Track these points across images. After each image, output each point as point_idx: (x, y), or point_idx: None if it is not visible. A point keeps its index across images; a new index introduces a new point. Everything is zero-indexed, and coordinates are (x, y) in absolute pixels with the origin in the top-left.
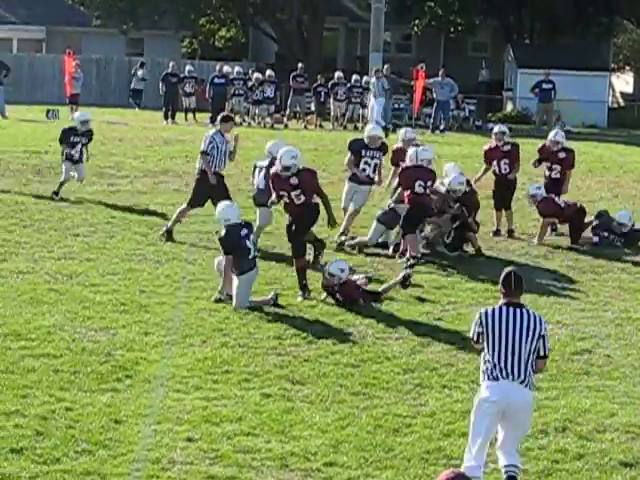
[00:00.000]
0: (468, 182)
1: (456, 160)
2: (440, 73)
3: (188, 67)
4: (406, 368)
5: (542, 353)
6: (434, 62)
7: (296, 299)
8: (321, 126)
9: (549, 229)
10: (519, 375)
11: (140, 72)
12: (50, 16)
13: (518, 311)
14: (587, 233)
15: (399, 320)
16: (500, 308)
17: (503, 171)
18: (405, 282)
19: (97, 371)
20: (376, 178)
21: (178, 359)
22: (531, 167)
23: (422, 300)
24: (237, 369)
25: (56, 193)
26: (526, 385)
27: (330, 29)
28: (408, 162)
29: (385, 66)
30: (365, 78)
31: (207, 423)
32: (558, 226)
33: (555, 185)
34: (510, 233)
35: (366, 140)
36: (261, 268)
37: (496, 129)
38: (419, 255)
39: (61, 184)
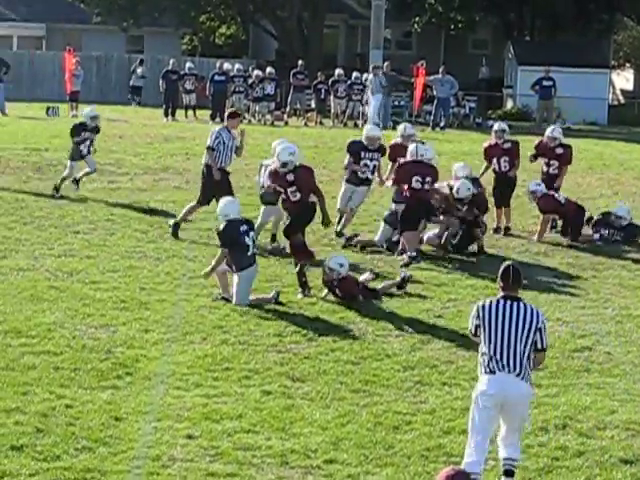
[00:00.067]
0: (478, 181)
1: (456, 158)
2: (440, 70)
3: (188, 64)
4: (406, 365)
5: (540, 346)
6: (434, 59)
7: (296, 296)
8: (321, 123)
9: (548, 226)
10: (515, 368)
11: (139, 69)
12: (50, 13)
13: (515, 304)
14: (587, 230)
15: (399, 317)
16: (498, 301)
17: (503, 169)
18: (403, 284)
19: (97, 368)
20: (376, 179)
21: (178, 356)
22: (531, 164)
23: (422, 297)
24: (237, 366)
25: (57, 189)
26: (522, 378)
27: (330, 26)
28: (408, 157)
29: (385, 63)
30: (365, 75)
31: (207, 420)
32: (558, 222)
33: (553, 181)
34: (506, 230)
35: (365, 141)
36: (261, 265)
37: (496, 127)
38: (414, 254)
39: (63, 179)
